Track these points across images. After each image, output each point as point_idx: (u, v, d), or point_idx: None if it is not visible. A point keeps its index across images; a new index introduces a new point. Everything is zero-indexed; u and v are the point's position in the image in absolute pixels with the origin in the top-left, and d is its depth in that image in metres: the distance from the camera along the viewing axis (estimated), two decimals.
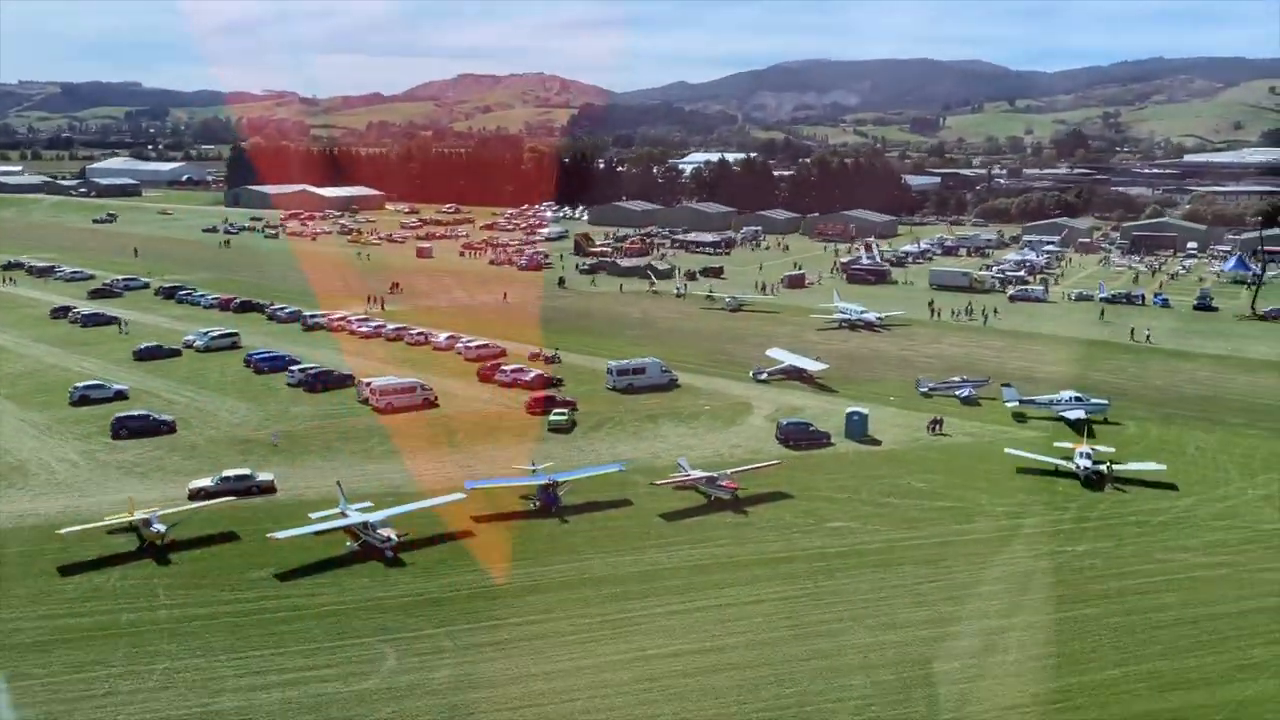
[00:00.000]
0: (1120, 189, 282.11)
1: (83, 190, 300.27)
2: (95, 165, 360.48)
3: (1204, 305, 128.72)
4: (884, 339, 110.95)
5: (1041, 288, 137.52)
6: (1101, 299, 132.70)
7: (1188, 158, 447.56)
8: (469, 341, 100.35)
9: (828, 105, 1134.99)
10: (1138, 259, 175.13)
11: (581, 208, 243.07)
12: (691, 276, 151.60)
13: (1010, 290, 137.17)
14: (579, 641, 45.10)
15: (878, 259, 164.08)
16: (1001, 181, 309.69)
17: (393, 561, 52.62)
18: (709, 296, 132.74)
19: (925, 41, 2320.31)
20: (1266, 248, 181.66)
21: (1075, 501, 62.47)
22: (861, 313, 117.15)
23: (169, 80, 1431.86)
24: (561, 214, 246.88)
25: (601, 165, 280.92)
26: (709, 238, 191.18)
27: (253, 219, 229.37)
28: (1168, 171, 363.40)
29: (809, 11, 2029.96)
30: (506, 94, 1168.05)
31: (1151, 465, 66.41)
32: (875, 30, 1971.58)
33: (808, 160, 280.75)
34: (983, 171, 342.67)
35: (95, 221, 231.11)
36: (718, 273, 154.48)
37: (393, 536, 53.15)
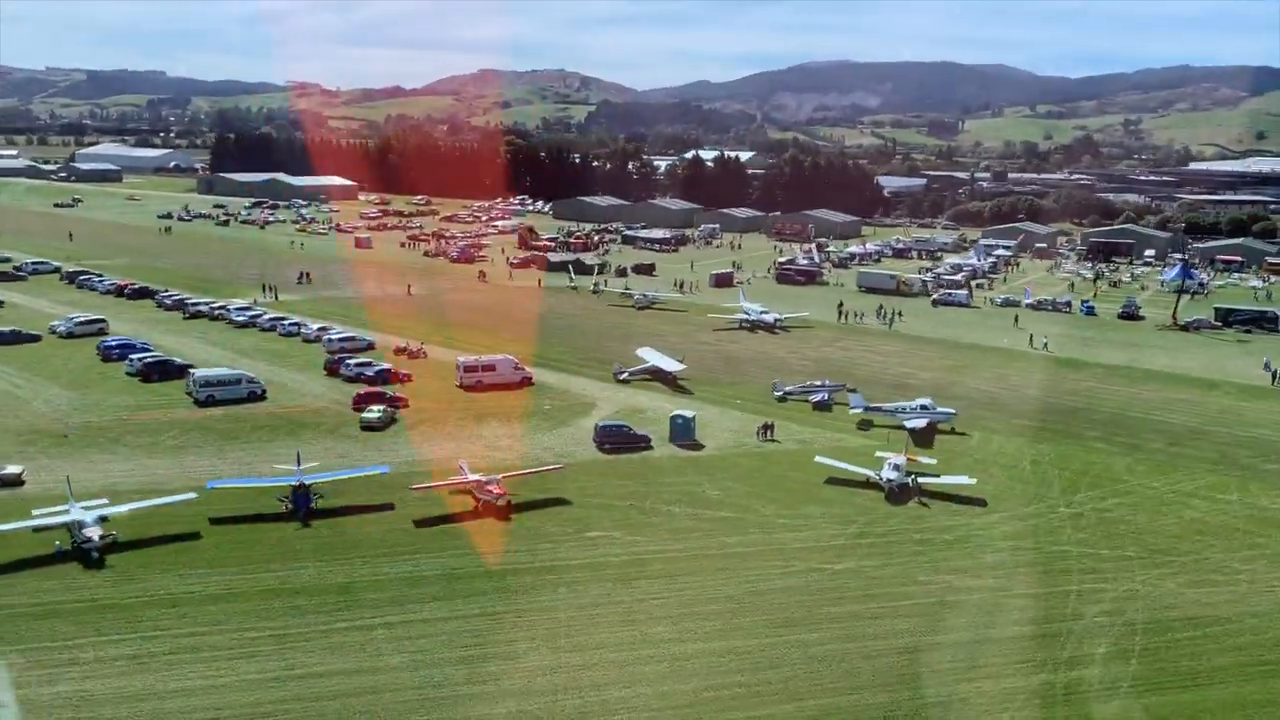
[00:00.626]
0: (1107, 195, 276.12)
1: (62, 175, 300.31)
2: (84, 150, 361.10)
3: (1129, 314, 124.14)
4: (775, 341, 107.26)
5: (965, 292, 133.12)
6: (1026, 305, 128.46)
7: (1192, 165, 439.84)
8: (335, 334, 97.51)
9: (847, 107, 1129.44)
10: (1089, 266, 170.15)
11: (544, 202, 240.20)
12: (622, 273, 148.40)
13: (934, 294, 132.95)
14: (229, 658, 41.96)
15: (816, 260, 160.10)
16: (984, 185, 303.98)
17: (96, 563, 49.73)
18: (621, 293, 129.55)
19: (948, 44, 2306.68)
20: (1222, 256, 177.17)
21: (868, 515, 58.79)
22: (761, 313, 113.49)
23: (193, 69, 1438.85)
24: (532, 208, 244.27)
25: (577, 160, 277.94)
26: (659, 234, 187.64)
27: (215, 206, 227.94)
28: (1164, 179, 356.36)
29: (833, 13, 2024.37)
30: (526, 89, 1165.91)
31: (962, 479, 62.60)
32: (898, 32, 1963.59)
33: (780, 158, 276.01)
34: (969, 175, 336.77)
35: (56, 205, 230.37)
36: (649, 270, 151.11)
37: (94, 537, 50.26)
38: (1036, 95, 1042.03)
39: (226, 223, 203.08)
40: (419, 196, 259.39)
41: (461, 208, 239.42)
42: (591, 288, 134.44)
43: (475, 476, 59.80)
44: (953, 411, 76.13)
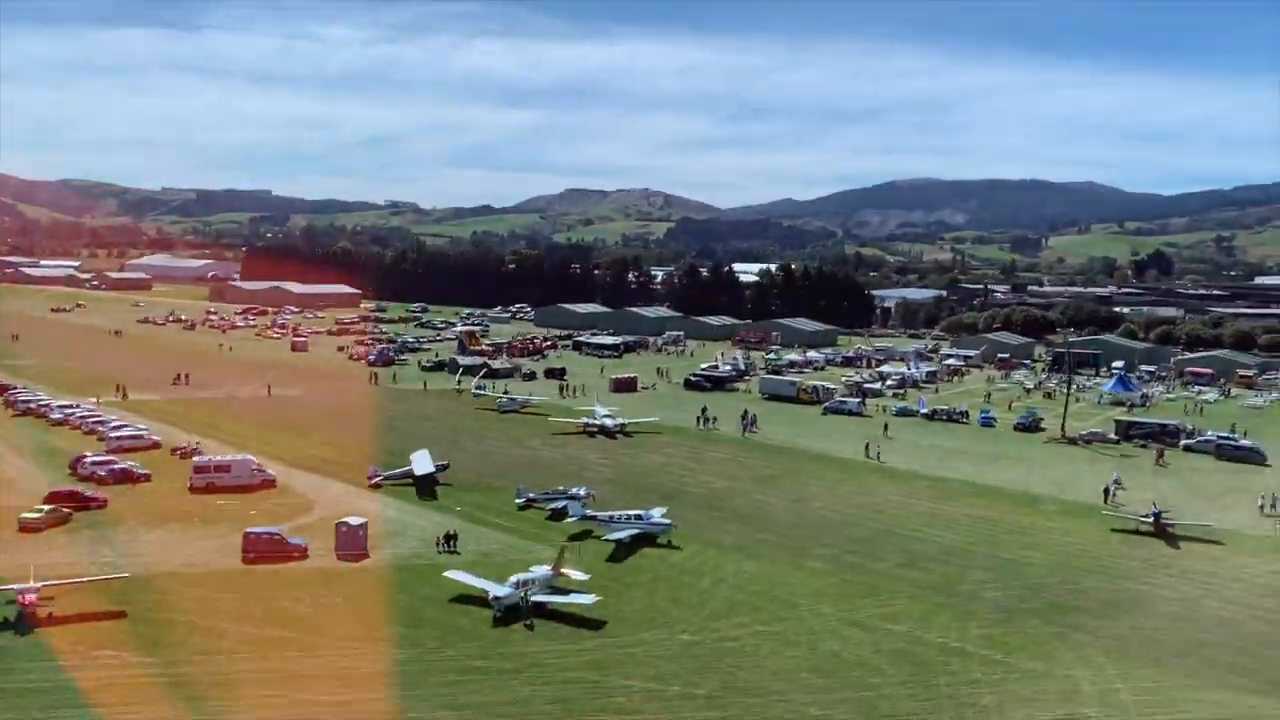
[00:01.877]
0: (1125, 308, 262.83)
1: (94, 284, 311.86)
2: (133, 261, 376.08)
3: (1025, 425, 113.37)
4: (605, 446, 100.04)
5: (856, 400, 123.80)
6: (921, 414, 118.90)
7: (1258, 280, 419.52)
8: (119, 429, 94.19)
9: (932, 223, 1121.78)
10: (1049, 377, 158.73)
11: (523, 308, 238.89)
12: (530, 376, 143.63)
13: (827, 402, 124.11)
14: None
15: (741, 366, 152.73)
16: (999, 296, 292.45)
17: None
18: (488, 396, 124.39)
19: (1036, 163, 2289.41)
20: (1192, 369, 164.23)
21: (460, 637, 51.33)
22: (604, 417, 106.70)
23: (297, 189, 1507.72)
24: (514, 314, 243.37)
25: (578, 270, 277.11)
26: (608, 340, 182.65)
27: (208, 312, 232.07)
28: (1212, 293, 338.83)
29: (920, 133, 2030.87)
30: (609, 208, 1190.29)
31: (585, 598, 54.65)
32: (986, 152, 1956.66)
33: (771, 269, 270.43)
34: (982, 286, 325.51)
35: (53, 310, 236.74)
36: (560, 374, 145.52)
37: None
38: (1126, 212, 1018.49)
39: (192, 326, 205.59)
40: (417, 305, 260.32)
41: (455, 314, 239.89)
42: (473, 391, 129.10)
43: (16, 585, 54.09)
44: (670, 524, 68.14)
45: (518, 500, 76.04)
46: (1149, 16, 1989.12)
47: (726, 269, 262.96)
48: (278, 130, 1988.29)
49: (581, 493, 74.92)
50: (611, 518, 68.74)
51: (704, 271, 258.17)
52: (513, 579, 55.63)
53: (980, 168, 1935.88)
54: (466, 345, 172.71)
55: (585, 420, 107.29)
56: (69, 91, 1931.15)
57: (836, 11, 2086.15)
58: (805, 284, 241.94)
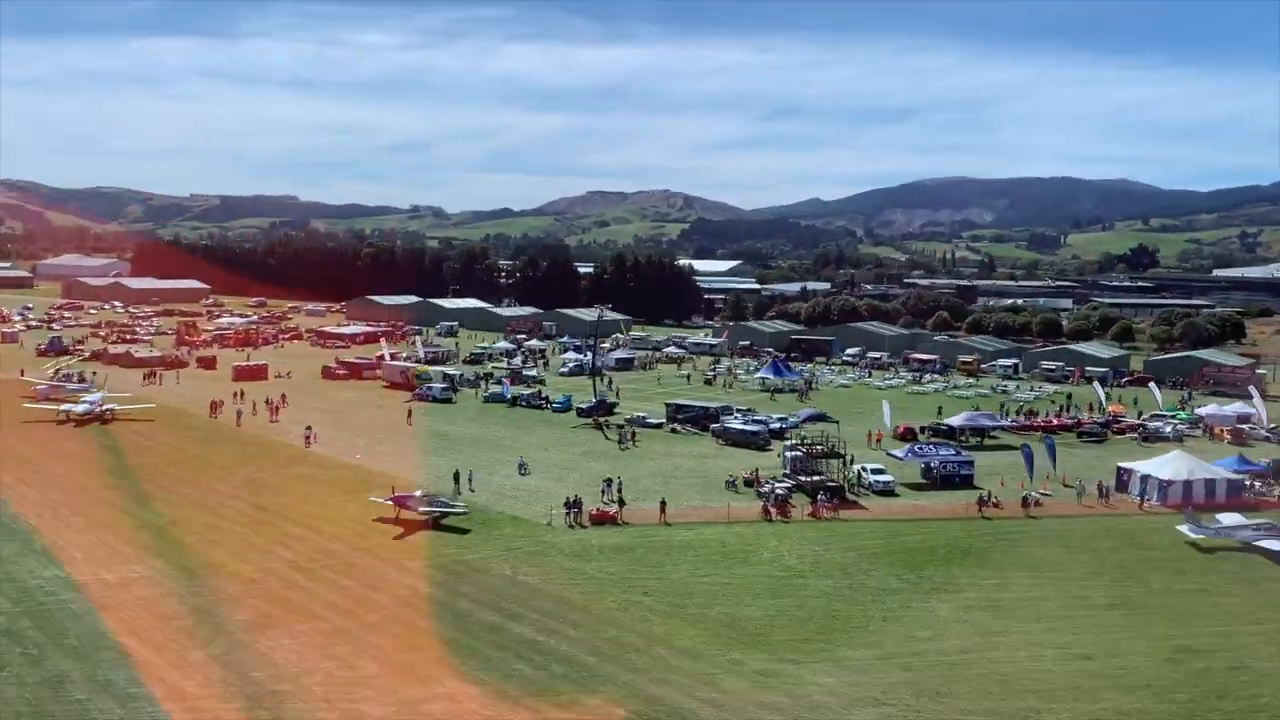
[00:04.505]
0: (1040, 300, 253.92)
1: None
2: (47, 261, 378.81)
3: (586, 411, 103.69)
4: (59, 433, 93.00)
5: (443, 386, 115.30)
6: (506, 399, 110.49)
7: (1217, 273, 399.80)
8: None
9: (958, 221, 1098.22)
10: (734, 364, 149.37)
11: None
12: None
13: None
14: None
15: (421, 355, 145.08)
16: (867, 287, 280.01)
17: None
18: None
19: (1070, 160, 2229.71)
20: (916, 355, 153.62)
21: None
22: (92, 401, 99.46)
23: (323, 194, 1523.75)
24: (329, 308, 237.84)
25: (427, 261, 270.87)
26: (349, 330, 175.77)
27: (25, 307, 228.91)
28: (1140, 285, 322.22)
29: (952, 132, 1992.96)
30: (627, 210, 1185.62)
31: None
32: (1018, 150, 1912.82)
33: (607, 261, 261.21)
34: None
35: None
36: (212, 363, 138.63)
37: None
38: (1157, 209, 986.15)
39: None
40: (255, 299, 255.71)
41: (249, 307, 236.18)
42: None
43: None
44: None
45: None
46: (1186, 10, 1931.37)
47: (564, 263, 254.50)
48: (308, 137, 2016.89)
49: None
50: None
51: (544, 264, 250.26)
52: None
53: (1011, 166, 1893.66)
54: (181, 336, 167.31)
55: (68, 406, 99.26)
56: (105, 100, 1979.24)
57: (871, 9, 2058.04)
58: (633, 275, 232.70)
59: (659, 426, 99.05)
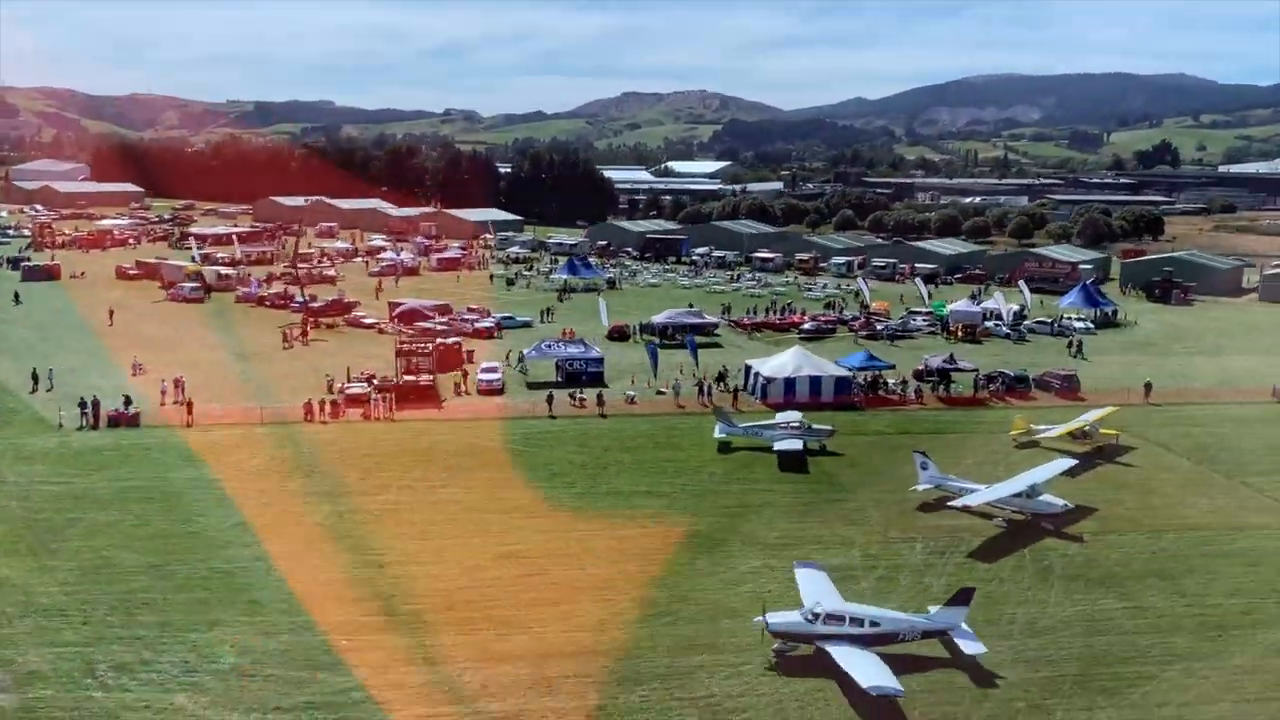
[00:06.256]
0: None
1: None
2: (19, 167, 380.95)
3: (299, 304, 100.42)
4: None
5: (194, 285, 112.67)
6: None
7: (1226, 168, 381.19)
8: None
9: (1002, 120, 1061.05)
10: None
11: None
12: None
13: None
14: None
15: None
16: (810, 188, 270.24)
17: None
18: None
19: (1126, 54, 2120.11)
20: (761, 253, 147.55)
21: None
22: None
23: (360, 99, 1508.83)
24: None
25: (357, 159, 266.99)
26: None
27: None
28: (1120, 182, 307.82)
29: (1006, 26, 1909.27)
30: (659, 111, 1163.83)
31: None
32: (1072, 45, 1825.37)
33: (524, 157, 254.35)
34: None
35: None
36: None
37: None
38: (1216, 105, 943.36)
39: None
40: (183, 201, 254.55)
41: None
42: None
43: None
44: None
45: None
46: None
47: (482, 156, 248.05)
48: (346, 41, 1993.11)
49: None
50: None
51: (463, 164, 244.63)
52: None
53: (1063, 62, 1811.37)
54: (36, 238, 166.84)
55: None
56: (146, 7, 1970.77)
57: None
58: (551, 174, 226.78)
59: (371, 326, 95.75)
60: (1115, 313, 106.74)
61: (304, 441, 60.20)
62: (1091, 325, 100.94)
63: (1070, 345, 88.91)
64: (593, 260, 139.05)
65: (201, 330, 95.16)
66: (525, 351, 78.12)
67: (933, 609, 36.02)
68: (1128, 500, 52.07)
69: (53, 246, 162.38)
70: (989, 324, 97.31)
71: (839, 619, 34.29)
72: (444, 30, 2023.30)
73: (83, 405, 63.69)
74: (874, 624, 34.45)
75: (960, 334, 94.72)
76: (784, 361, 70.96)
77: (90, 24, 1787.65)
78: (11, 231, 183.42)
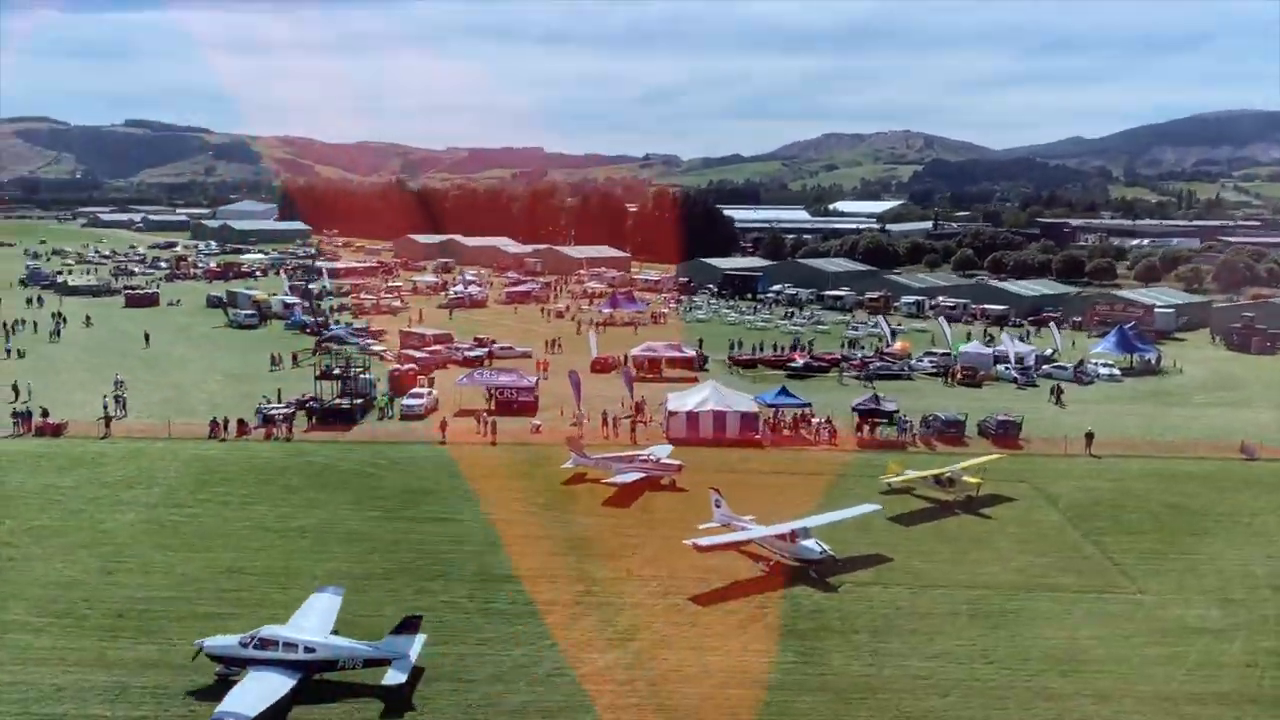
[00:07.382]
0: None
1: (139, 225, 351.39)
2: (225, 207, 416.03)
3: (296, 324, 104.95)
4: None
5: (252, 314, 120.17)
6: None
7: None
8: None
9: (1237, 159, 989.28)
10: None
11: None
12: None
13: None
14: None
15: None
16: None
17: None
18: None
19: None
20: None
21: None
22: None
23: (570, 146, 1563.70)
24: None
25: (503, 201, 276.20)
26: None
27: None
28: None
29: (1240, 60, 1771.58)
30: (859, 152, 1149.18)
31: None
32: None
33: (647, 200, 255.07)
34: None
35: None
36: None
37: None
38: None
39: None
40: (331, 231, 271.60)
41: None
42: None
43: None
44: None
45: None
46: None
47: (616, 197, 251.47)
48: (559, 90, 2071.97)
49: None
50: None
51: (591, 202, 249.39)
52: None
53: None
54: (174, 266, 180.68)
55: None
56: (380, 60, 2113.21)
57: None
58: (671, 213, 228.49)
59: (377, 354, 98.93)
60: (1158, 359, 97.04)
61: (181, 457, 62.71)
62: (1117, 371, 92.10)
63: (1052, 392, 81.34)
64: (639, 296, 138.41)
65: (222, 353, 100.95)
66: (458, 380, 78.79)
67: (388, 637, 34.97)
68: (938, 553, 47.28)
69: (186, 278, 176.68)
70: (998, 368, 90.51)
71: (273, 644, 33.65)
72: (651, 77, 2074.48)
73: (15, 416, 69.04)
74: (309, 650, 33.65)
75: (959, 377, 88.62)
76: (695, 396, 68.52)
77: (324, 77, 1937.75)
78: (164, 263, 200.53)
